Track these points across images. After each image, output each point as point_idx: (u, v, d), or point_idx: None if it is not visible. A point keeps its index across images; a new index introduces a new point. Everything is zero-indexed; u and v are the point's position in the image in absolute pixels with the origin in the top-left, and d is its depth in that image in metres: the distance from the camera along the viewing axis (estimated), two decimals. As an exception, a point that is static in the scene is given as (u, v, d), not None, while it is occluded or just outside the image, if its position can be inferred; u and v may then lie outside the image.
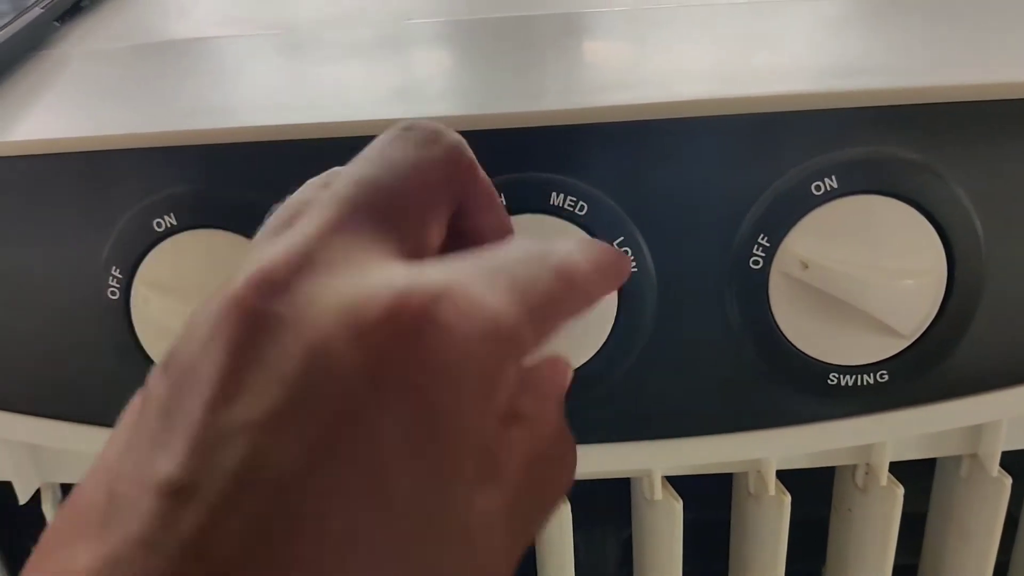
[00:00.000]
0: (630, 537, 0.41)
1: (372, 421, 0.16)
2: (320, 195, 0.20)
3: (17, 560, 0.43)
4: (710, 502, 0.39)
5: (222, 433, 0.16)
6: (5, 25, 0.40)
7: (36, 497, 0.38)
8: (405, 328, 0.17)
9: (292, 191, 0.29)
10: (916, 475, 0.37)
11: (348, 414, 0.16)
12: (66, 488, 0.39)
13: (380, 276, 0.18)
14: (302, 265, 0.18)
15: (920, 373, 0.31)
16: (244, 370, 0.16)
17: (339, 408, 0.16)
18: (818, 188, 0.29)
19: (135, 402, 0.19)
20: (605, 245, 0.22)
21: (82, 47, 0.41)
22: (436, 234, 0.21)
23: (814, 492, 0.38)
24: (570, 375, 0.22)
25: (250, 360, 0.16)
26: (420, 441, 0.16)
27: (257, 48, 0.39)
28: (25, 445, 0.36)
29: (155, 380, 0.18)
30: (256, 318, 0.17)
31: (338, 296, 0.17)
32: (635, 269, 0.30)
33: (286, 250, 0.18)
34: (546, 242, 0.20)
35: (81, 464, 0.37)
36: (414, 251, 0.20)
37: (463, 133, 0.29)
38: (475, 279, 0.18)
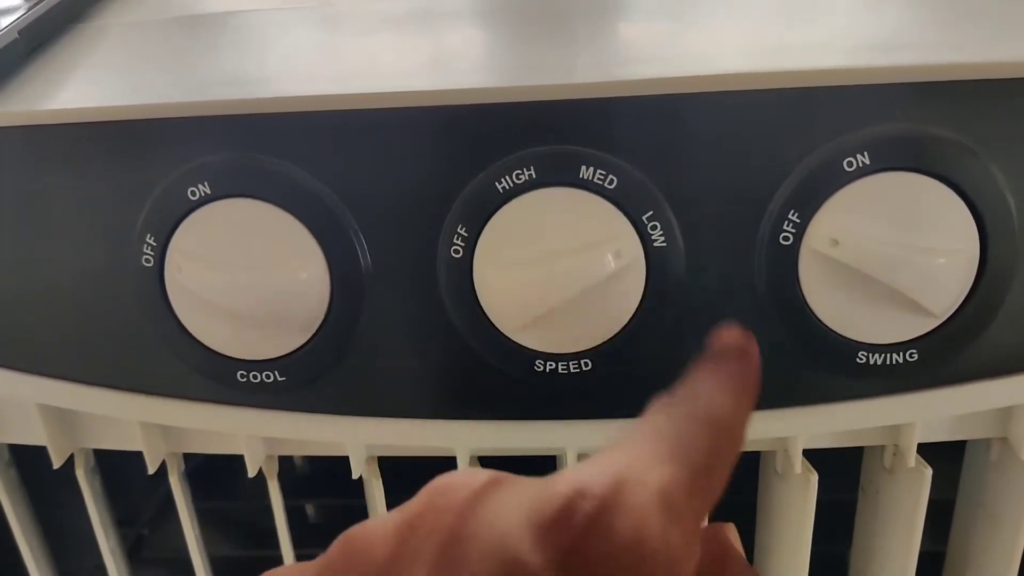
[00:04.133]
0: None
1: None
2: None
3: (49, 524, 0.43)
4: (737, 482, 0.38)
5: None
6: (45, -3, 0.40)
7: (69, 462, 0.39)
8: (583, 523, 0.18)
9: (323, 161, 0.30)
10: (946, 461, 0.36)
11: None
12: (99, 454, 0.40)
13: (555, 478, 0.19)
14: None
15: (950, 353, 0.31)
16: None
17: None
18: (850, 164, 0.29)
19: None
20: (733, 369, 0.24)
21: (120, 19, 0.42)
22: None
23: (842, 473, 0.38)
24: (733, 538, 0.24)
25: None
26: None
27: (292, 21, 0.40)
28: (58, 410, 0.37)
29: None
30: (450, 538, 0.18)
31: (519, 501, 0.19)
32: (664, 244, 0.30)
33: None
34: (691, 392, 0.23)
35: (114, 430, 0.37)
36: None
37: (494, 105, 0.30)
38: (640, 459, 0.20)
